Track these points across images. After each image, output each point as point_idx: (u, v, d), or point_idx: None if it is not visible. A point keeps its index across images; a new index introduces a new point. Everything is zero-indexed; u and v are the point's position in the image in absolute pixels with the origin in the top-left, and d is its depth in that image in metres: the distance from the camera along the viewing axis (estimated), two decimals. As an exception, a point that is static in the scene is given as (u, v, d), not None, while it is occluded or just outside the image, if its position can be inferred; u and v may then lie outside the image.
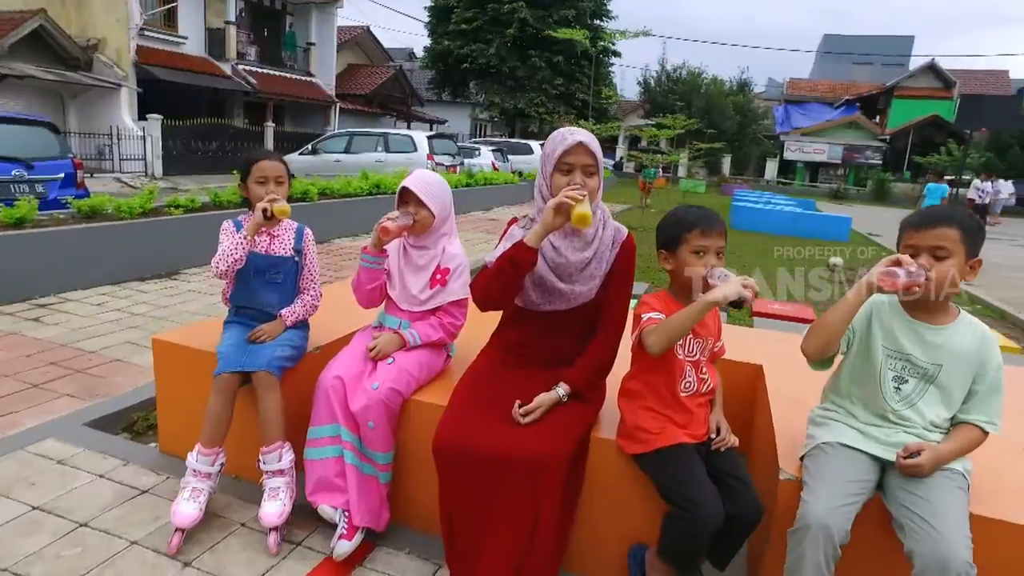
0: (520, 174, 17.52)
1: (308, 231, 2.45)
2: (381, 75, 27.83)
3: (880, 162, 34.17)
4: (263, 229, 2.30)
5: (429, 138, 14.51)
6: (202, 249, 6.07)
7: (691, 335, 1.82)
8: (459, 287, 2.28)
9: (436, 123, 30.91)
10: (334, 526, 2.08)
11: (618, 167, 33.97)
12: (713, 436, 1.86)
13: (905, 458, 1.60)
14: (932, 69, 36.31)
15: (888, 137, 35.03)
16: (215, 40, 19.81)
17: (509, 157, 19.87)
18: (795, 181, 35.08)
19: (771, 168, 36.95)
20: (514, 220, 2.05)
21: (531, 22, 26.15)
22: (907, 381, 1.70)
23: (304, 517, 2.18)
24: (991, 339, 1.70)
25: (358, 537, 2.01)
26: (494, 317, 2.21)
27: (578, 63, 27.89)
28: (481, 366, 2.10)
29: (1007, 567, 1.58)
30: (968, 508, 1.56)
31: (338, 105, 24.24)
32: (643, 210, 15.02)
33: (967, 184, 19.28)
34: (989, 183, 18.09)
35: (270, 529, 2.06)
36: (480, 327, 2.39)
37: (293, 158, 13.82)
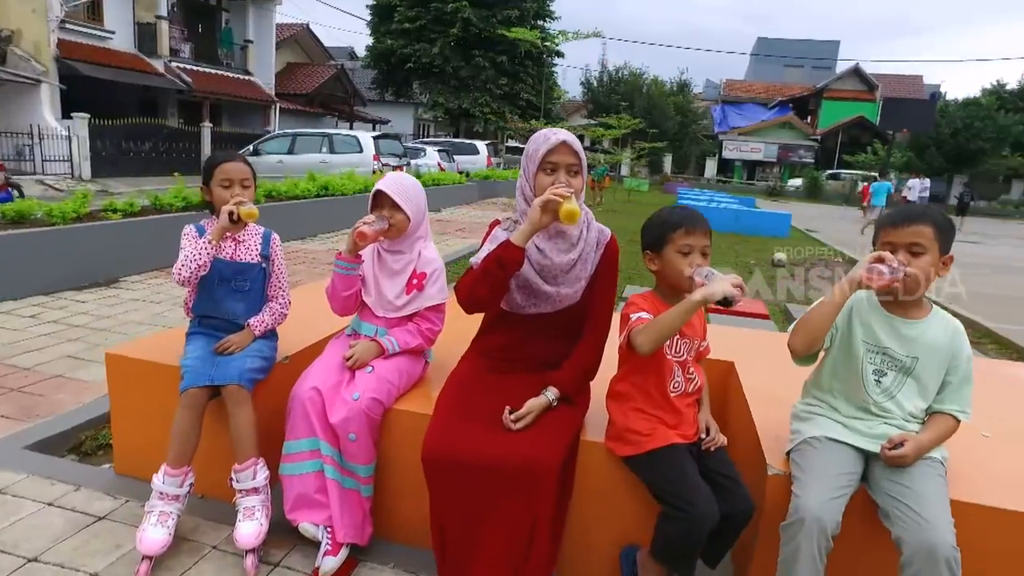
0: (467, 174, 17.44)
1: (275, 236, 2.34)
2: (322, 74, 27.22)
3: (812, 160, 35.80)
4: (228, 234, 2.18)
5: (375, 138, 14.27)
6: (144, 255, 5.82)
7: (678, 335, 1.83)
8: (436, 292, 2.23)
9: (379, 123, 30.46)
10: (313, 543, 2.00)
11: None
12: (703, 436, 1.87)
13: (890, 449, 1.65)
14: (857, 73, 38.34)
15: (819, 137, 36.74)
16: (146, 35, 18.89)
17: (455, 157, 19.76)
18: (734, 179, 36.35)
19: (711, 167, 38.17)
20: (496, 222, 2.02)
21: (475, 22, 26.08)
22: (886, 374, 1.76)
23: (281, 536, 2.08)
24: (962, 332, 1.77)
25: (343, 552, 1.94)
26: (469, 322, 2.17)
27: (522, 63, 28.01)
28: (464, 372, 2.05)
29: (983, 546, 1.64)
30: (948, 494, 1.63)
31: (278, 105, 23.55)
32: (593, 207, 15.23)
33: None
34: (918, 180, 19.30)
35: (247, 551, 1.95)
36: (455, 332, 2.34)
37: (233, 159, 13.31)
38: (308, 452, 1.97)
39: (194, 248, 2.07)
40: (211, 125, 19.46)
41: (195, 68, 20.28)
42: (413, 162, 15.87)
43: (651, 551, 1.78)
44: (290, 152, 13.75)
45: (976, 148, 29.58)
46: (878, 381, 1.76)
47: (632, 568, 1.89)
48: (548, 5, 28.88)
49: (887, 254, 1.62)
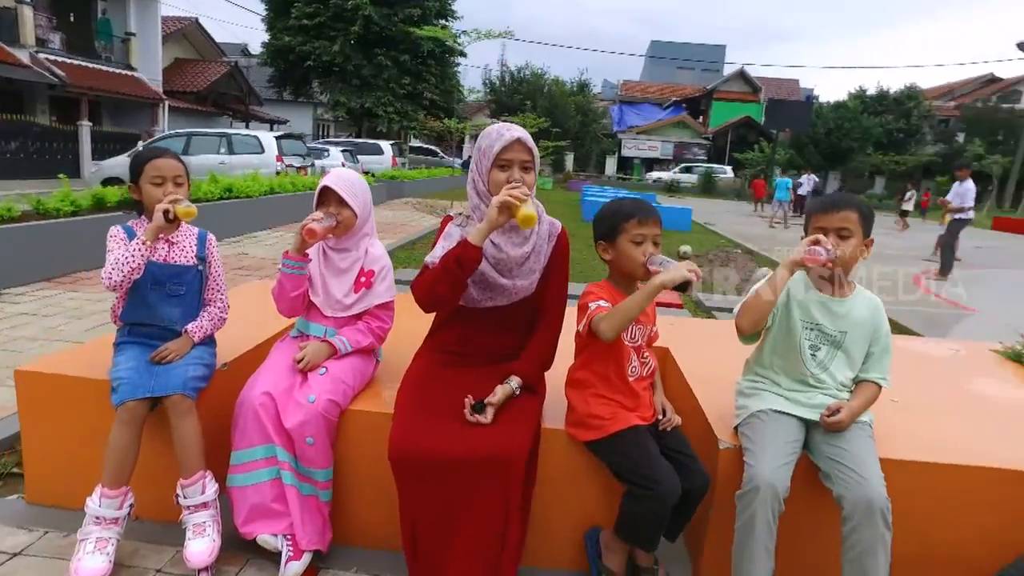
0: (372, 175, 17.10)
1: (211, 237, 2.20)
2: (214, 71, 25.72)
3: (705, 158, 37.91)
4: (161, 235, 2.03)
5: (277, 139, 13.67)
6: (28, 265, 5.29)
7: (634, 322, 1.90)
8: (384, 289, 2.19)
9: (277, 123, 29.19)
10: (269, 556, 1.91)
11: (466, 165, 34.42)
12: (660, 417, 1.96)
13: (828, 417, 1.80)
14: (742, 76, 41.00)
15: (711, 135, 38.98)
16: (4, 22, 16.98)
17: (359, 158, 19.31)
18: (633, 176, 37.83)
19: (611, 164, 39.51)
20: (448, 219, 2.01)
21: (376, 20, 25.53)
22: (820, 348, 1.92)
23: (232, 551, 1.97)
24: (881, 308, 1.97)
25: (306, 557, 1.87)
26: (415, 319, 2.15)
27: (425, 62, 27.73)
28: (420, 369, 2.03)
29: (904, 494, 1.80)
30: (877, 452, 1.80)
31: (167, 103, 21.97)
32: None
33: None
34: (807, 176, 21.10)
35: (199, 570, 1.84)
36: (402, 330, 2.32)
37: (119, 161, 12.48)
38: (263, 460, 1.88)
39: (125, 251, 1.91)
40: (90, 124, 17.88)
41: (68, 60, 18.49)
42: (317, 163, 15.34)
43: (616, 530, 1.85)
44: (185, 153, 12.88)
45: (847, 147, 32.54)
46: (813, 355, 1.92)
47: (596, 548, 1.95)
48: (450, 4, 28.76)
49: (821, 236, 1.77)
